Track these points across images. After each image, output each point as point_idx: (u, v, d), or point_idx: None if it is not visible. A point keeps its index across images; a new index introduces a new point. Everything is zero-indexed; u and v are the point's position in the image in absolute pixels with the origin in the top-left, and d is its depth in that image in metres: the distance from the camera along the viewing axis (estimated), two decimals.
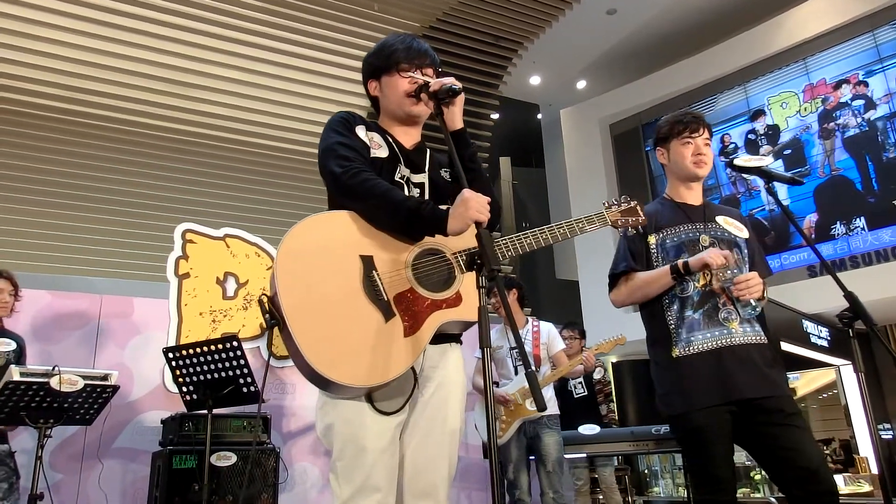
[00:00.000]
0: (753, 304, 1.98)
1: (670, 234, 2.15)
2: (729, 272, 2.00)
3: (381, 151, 1.68)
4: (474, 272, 1.41)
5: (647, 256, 2.17)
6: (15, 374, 2.64)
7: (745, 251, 2.17)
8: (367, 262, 1.54)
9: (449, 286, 1.60)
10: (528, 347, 3.83)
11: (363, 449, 1.49)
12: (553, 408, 3.76)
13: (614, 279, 2.21)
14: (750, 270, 2.12)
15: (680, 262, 2.03)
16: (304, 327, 1.44)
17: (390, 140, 1.73)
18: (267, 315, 1.45)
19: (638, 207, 1.95)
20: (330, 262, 1.52)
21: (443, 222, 1.53)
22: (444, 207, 1.56)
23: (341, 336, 1.46)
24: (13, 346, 3.20)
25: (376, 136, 1.71)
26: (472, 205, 1.48)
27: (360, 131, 1.70)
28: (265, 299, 1.48)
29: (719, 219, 2.16)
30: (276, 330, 1.48)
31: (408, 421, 1.59)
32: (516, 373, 3.78)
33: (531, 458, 3.78)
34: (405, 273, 1.57)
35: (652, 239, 2.17)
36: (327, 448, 1.57)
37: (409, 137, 1.78)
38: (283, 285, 1.46)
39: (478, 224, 1.45)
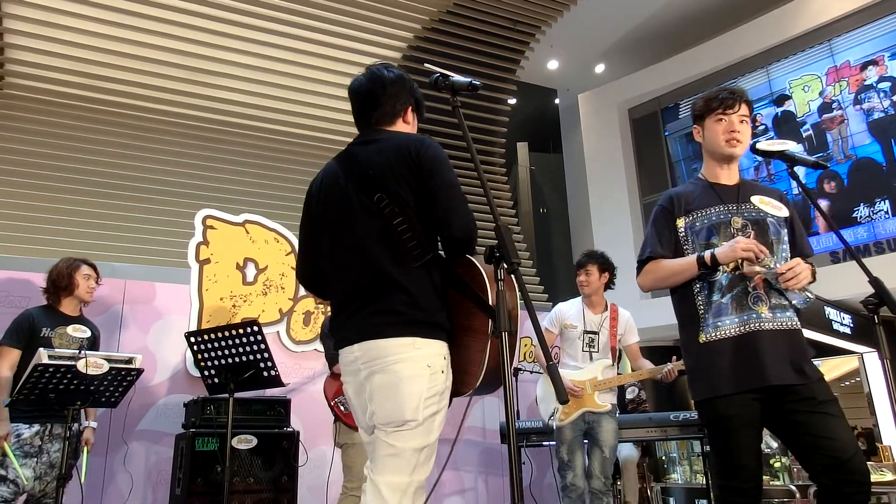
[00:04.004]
0: (806, 293, 1.90)
1: (700, 216, 2.08)
2: (770, 267, 1.92)
3: None
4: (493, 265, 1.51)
5: (675, 240, 2.11)
6: (44, 356, 2.70)
7: (784, 231, 2.08)
8: None
9: None
10: (603, 337, 3.67)
11: None
12: (613, 398, 3.65)
13: (641, 264, 2.17)
14: (791, 252, 2.05)
15: (707, 253, 1.97)
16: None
17: None
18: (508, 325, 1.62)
19: None
20: None
21: None
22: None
23: None
24: (88, 333, 3.26)
25: None
26: None
27: None
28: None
29: (755, 199, 2.07)
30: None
31: None
32: (590, 359, 3.65)
33: (585, 441, 3.69)
34: None
35: (680, 222, 2.11)
36: (419, 424, 1.61)
37: None
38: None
39: (495, 218, 1.54)
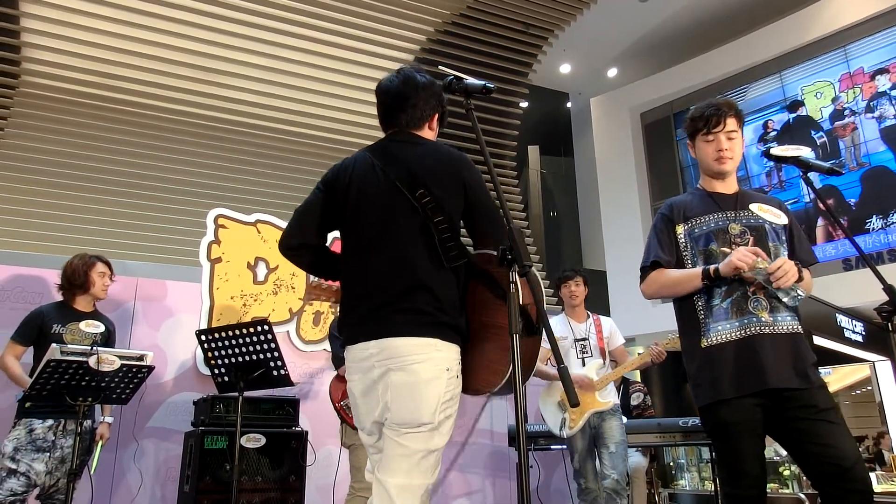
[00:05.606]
0: (796, 291, 1.90)
1: (699, 223, 2.10)
2: (761, 267, 1.92)
3: None
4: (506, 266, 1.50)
5: (675, 247, 2.13)
6: (56, 352, 2.72)
7: (784, 238, 2.10)
8: None
9: None
10: (592, 340, 3.87)
11: None
12: (616, 398, 3.80)
13: (644, 271, 2.18)
14: (789, 257, 2.05)
15: (711, 267, 1.99)
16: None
17: None
18: (534, 324, 1.61)
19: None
20: None
21: None
22: None
23: None
24: (101, 328, 3.27)
25: None
26: None
27: None
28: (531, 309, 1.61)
29: (753, 206, 2.09)
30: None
31: None
32: (583, 364, 3.82)
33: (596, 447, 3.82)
34: None
35: (680, 229, 2.13)
36: (433, 427, 1.61)
37: None
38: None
39: (507, 221, 1.55)
